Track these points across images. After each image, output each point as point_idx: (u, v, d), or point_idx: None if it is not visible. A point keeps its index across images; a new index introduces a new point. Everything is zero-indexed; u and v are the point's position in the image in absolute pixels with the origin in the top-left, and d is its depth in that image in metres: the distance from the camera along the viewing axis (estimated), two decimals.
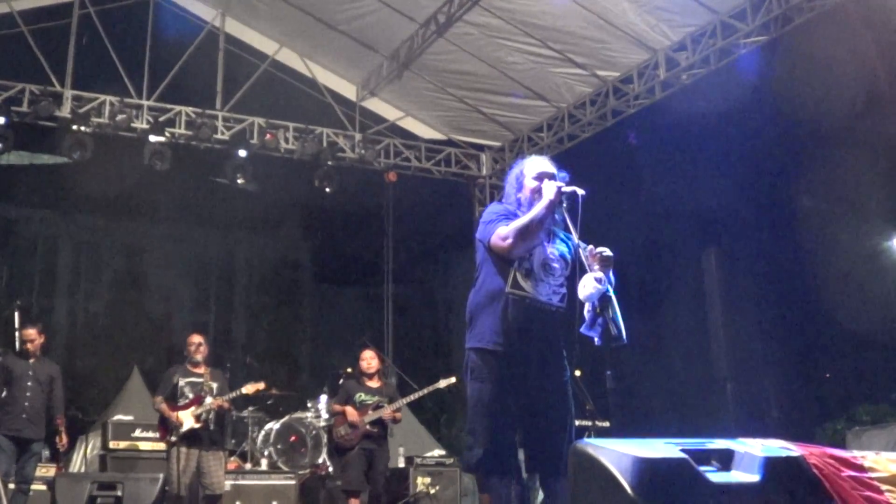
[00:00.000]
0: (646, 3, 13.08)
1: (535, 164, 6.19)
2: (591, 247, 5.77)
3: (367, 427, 11.49)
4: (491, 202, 12.07)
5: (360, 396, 11.70)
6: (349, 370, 12.11)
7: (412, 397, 12.68)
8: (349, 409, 11.55)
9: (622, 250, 6.34)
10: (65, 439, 11.58)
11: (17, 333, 12.48)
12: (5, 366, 11.39)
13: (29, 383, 11.28)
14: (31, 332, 11.51)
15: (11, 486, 11.22)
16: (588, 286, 5.57)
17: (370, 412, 11.56)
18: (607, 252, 5.72)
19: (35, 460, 11.45)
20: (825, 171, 17.73)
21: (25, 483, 11.19)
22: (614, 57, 14.37)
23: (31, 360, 11.40)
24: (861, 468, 4.83)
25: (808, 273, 17.96)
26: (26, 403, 11.20)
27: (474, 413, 5.89)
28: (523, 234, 5.78)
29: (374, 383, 11.89)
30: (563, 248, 6.08)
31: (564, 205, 5.83)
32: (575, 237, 5.84)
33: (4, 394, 11.22)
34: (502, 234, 5.84)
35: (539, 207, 5.80)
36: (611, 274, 5.80)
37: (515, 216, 5.99)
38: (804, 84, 15.72)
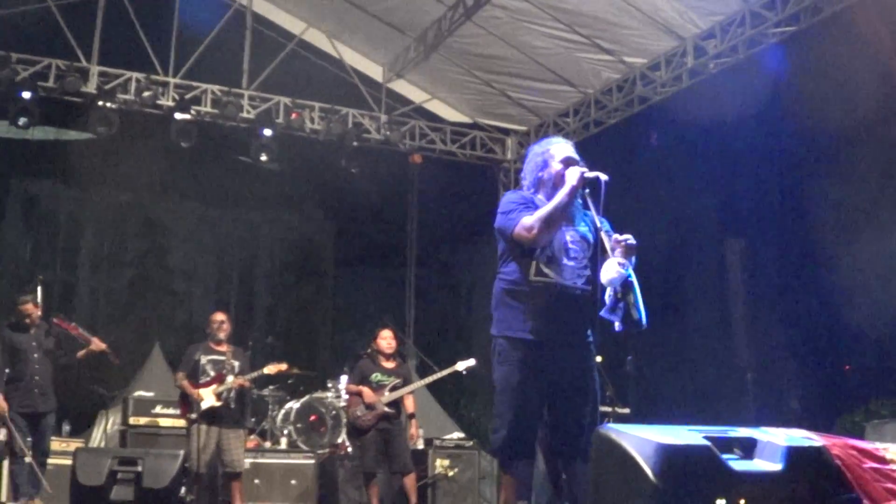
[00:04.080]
0: None
1: (562, 148, 6.21)
2: (616, 235, 5.79)
3: (385, 408, 11.48)
4: (514, 187, 12.07)
5: (377, 377, 11.69)
6: (369, 351, 12.08)
7: (429, 379, 12.68)
8: (366, 390, 11.55)
9: (646, 238, 6.34)
10: (102, 345, 11.62)
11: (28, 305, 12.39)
12: (8, 341, 11.39)
13: (35, 355, 11.32)
14: (28, 306, 11.51)
15: (27, 459, 11.28)
16: (611, 271, 5.59)
17: (387, 393, 11.56)
18: (631, 240, 5.74)
19: (50, 432, 11.53)
20: (851, 164, 17.65)
21: (44, 456, 11.26)
22: (642, 43, 14.34)
23: (32, 331, 11.42)
24: (883, 460, 4.84)
25: (830, 265, 17.90)
26: (36, 377, 11.24)
27: (500, 396, 5.92)
28: (548, 222, 5.81)
29: (389, 364, 11.88)
30: (584, 229, 6.10)
31: (587, 190, 5.85)
32: (597, 221, 5.86)
33: (8, 370, 11.24)
34: (527, 224, 5.85)
35: (562, 194, 5.82)
36: (633, 258, 5.83)
37: (533, 203, 6.02)
38: (833, 76, 15.65)
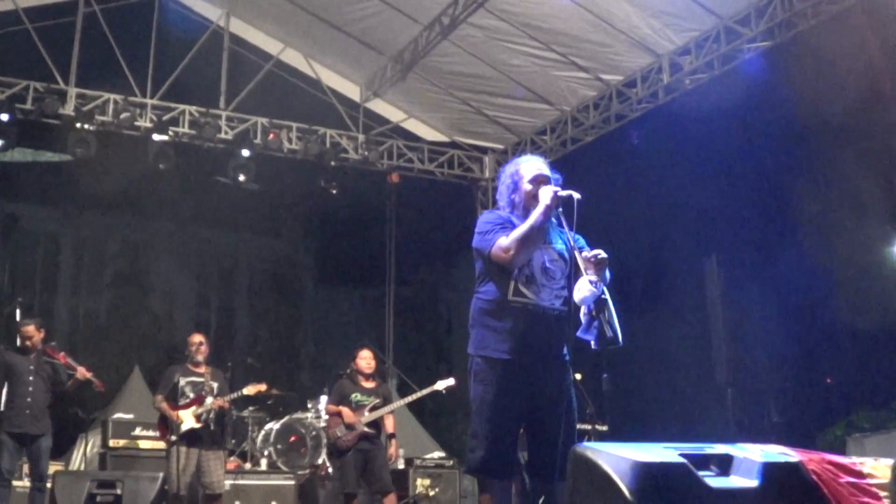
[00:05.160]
0: (650, 7, 13.10)
1: (530, 166, 6.19)
2: (585, 252, 5.79)
3: (364, 428, 11.47)
4: (492, 206, 12.07)
5: (356, 397, 11.66)
6: (349, 371, 12.07)
7: (409, 399, 12.65)
8: (345, 411, 11.52)
9: (624, 254, 6.36)
10: (88, 374, 11.61)
11: (17, 330, 12.48)
12: (6, 362, 11.39)
13: (31, 378, 11.27)
14: (30, 329, 11.48)
15: (17, 483, 11.26)
16: (583, 289, 5.61)
17: (367, 413, 11.54)
18: (602, 255, 5.74)
19: (46, 455, 11.44)
20: (827, 178, 17.73)
21: (40, 480, 11.19)
22: (618, 60, 14.39)
23: (32, 355, 11.39)
24: (860, 474, 4.84)
25: (809, 279, 17.95)
26: (29, 399, 11.19)
27: (477, 415, 5.91)
28: (524, 243, 5.79)
29: (369, 384, 11.84)
30: (560, 246, 6.09)
31: (560, 209, 5.85)
32: (570, 241, 5.86)
33: (6, 390, 11.23)
34: (504, 245, 5.84)
35: (536, 215, 5.80)
36: (607, 273, 5.82)
37: (510, 222, 6.01)
38: (807, 90, 15.72)
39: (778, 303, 18.53)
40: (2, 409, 11.18)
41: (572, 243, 5.85)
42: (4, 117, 14.34)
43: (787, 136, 16.80)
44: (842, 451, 12.79)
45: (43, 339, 11.60)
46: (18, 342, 11.69)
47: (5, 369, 11.32)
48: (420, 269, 24.33)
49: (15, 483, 11.45)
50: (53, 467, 12.36)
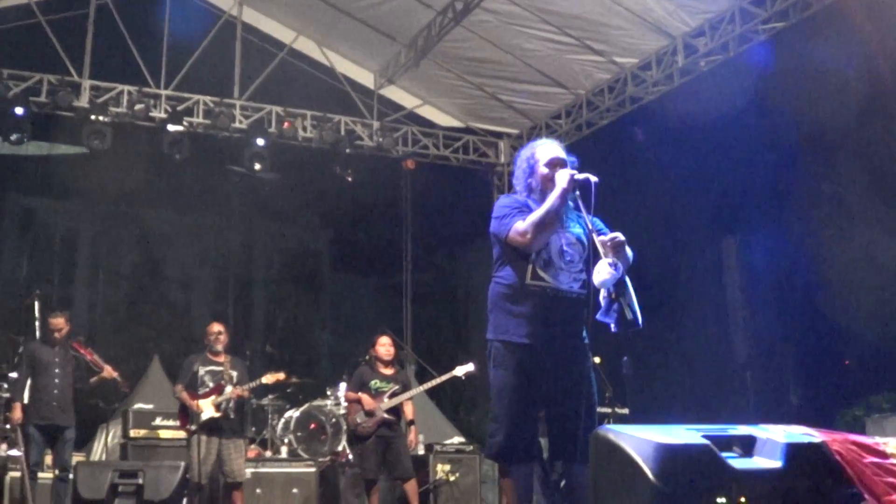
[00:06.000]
0: None
1: (546, 150, 6.18)
2: (601, 237, 5.77)
3: (384, 415, 11.48)
4: (508, 191, 12.03)
5: (376, 383, 11.68)
6: (368, 358, 12.08)
7: (428, 385, 12.67)
8: (365, 397, 11.53)
9: (641, 238, 6.33)
10: (114, 373, 11.73)
11: (37, 322, 12.56)
12: (32, 354, 11.48)
13: (57, 370, 11.38)
14: (60, 321, 11.61)
15: (42, 475, 11.34)
16: (602, 272, 5.58)
17: (386, 399, 11.55)
18: (619, 238, 5.73)
19: (70, 446, 11.58)
20: (847, 157, 17.65)
21: (65, 470, 11.30)
22: (632, 43, 14.34)
23: (57, 348, 11.48)
24: (883, 454, 4.82)
25: (827, 260, 17.90)
26: (55, 391, 11.31)
27: (497, 400, 5.91)
28: (541, 226, 5.78)
29: (388, 370, 11.86)
30: (578, 230, 6.07)
31: (577, 192, 5.83)
32: (588, 224, 5.84)
33: (29, 382, 11.32)
34: (520, 229, 5.83)
35: (553, 198, 5.79)
36: (628, 250, 5.81)
37: (527, 206, 6.00)
38: (823, 72, 15.65)
39: (796, 284, 18.48)
40: (26, 401, 11.28)
41: (590, 226, 5.84)
42: (19, 111, 14.36)
43: (805, 116, 16.71)
44: (861, 433, 12.75)
45: (69, 334, 11.70)
46: (38, 333, 11.80)
47: (31, 360, 11.42)
48: (437, 254, 24.35)
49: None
50: (74, 458, 12.44)
